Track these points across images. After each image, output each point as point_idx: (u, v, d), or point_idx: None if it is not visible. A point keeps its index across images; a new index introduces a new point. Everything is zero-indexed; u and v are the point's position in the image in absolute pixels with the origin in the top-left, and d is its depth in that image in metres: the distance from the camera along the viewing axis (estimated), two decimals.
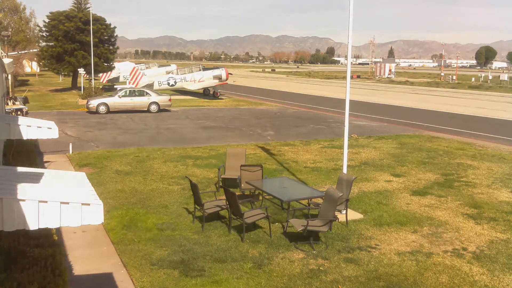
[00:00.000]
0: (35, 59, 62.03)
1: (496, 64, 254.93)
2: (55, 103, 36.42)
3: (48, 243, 7.90)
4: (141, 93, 32.15)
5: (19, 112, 25.94)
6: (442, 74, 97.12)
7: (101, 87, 43.84)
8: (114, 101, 31.08)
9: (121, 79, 53.99)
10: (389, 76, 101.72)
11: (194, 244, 9.35)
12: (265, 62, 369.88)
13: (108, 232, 9.98)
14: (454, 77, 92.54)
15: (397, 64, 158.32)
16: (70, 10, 49.33)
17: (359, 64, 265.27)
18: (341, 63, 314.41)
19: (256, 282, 7.88)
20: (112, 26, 50.35)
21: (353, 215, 11.08)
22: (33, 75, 73.22)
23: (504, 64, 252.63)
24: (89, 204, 4.69)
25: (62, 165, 16.10)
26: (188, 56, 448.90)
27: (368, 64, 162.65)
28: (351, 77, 18.72)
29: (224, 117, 29.99)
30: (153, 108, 31.61)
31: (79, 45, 46.85)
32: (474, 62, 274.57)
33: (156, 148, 18.96)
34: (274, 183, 12.12)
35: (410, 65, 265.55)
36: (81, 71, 42.53)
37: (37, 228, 4.53)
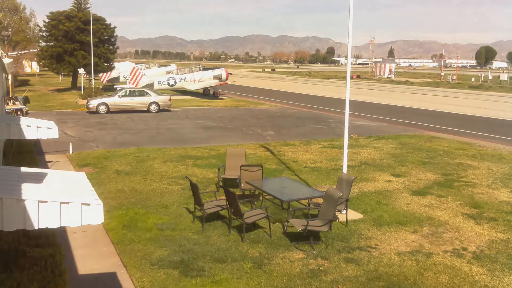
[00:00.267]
0: (35, 59, 62.02)
1: (496, 64, 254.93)
2: (55, 103, 36.42)
3: (48, 243, 7.91)
4: (141, 93, 32.15)
5: (19, 112, 25.93)
6: (442, 74, 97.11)
7: (101, 87, 43.82)
8: (114, 101, 31.07)
9: (121, 79, 53.96)
10: (389, 76, 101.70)
11: (194, 244, 9.35)
12: (265, 62, 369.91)
13: (108, 232, 9.98)
14: (454, 77, 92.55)
15: (397, 64, 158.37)
16: (70, 10, 49.30)
17: (359, 64, 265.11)
18: (341, 63, 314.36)
19: (256, 282, 7.88)
20: (112, 26, 50.39)
21: (353, 215, 11.08)
22: (33, 75, 73.24)
23: (504, 64, 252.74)
24: (89, 204, 4.70)
25: (62, 165, 16.10)
26: (188, 56, 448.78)
27: (368, 64, 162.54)
28: (351, 77, 18.72)
29: (224, 117, 29.99)
30: (153, 108, 31.61)
31: (79, 45, 46.84)
32: (474, 62, 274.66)
33: (156, 148, 18.96)
34: (274, 183, 12.12)
35: (410, 65, 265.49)
36: (81, 71, 42.53)
37: (37, 228, 4.53)
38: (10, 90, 32.17)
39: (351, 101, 12.54)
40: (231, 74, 50.24)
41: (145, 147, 19.21)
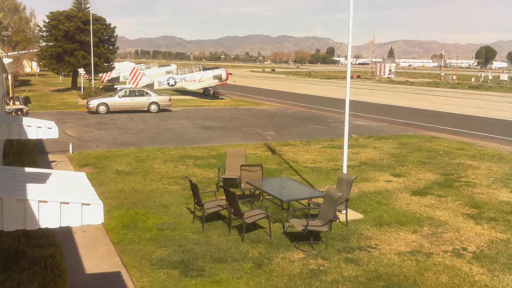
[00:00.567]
0: (35, 59, 62.00)
1: (496, 64, 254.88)
2: (55, 103, 36.42)
3: (48, 243, 7.92)
4: (141, 93, 32.14)
5: (19, 112, 25.93)
6: (442, 74, 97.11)
7: (101, 87, 43.83)
8: (114, 101, 31.07)
9: (121, 79, 53.95)
10: (389, 76, 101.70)
11: (194, 244, 9.35)
12: (265, 62, 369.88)
13: (108, 232, 9.98)
14: (454, 77, 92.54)
15: (397, 64, 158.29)
16: (70, 10, 49.30)
17: (359, 64, 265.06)
18: (341, 63, 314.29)
19: (256, 282, 7.88)
20: (112, 26, 50.38)
21: (353, 215, 11.08)
22: (33, 75, 73.24)
23: (504, 64, 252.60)
24: (89, 204, 4.70)
25: (62, 165, 16.10)
26: (188, 56, 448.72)
27: (368, 64, 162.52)
28: (351, 77, 18.72)
29: (224, 117, 29.99)
30: (153, 108, 31.61)
31: (79, 45, 46.84)
32: (474, 62, 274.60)
33: (156, 148, 18.96)
34: (274, 183, 12.12)
35: (410, 65, 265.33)
36: (81, 71, 42.53)
37: (37, 228, 4.54)
38: (10, 90, 32.19)
39: (351, 101, 12.55)
40: (231, 74, 50.23)
41: (145, 147, 19.22)
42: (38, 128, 10.14)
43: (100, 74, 52.67)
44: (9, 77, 30.45)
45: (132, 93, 32.01)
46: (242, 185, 12.10)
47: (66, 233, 9.67)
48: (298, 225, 9.44)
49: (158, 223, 10.49)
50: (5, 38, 48.51)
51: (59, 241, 8.34)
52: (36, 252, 7.48)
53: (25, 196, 4.52)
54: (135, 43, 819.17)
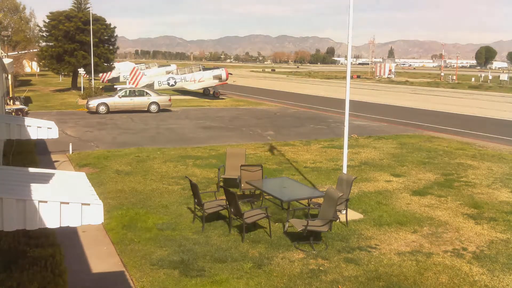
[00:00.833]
0: (35, 59, 61.99)
1: (496, 64, 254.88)
2: (55, 103, 36.42)
3: (48, 243, 7.91)
4: (141, 93, 32.14)
5: (19, 112, 25.93)
6: (442, 74, 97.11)
7: (101, 87, 43.83)
8: (114, 101, 31.07)
9: (121, 79, 53.97)
10: (389, 76, 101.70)
11: (194, 244, 9.35)
12: (265, 62, 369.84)
13: (108, 232, 9.98)
14: (454, 77, 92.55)
15: (397, 64, 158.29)
16: (70, 10, 49.28)
17: (359, 64, 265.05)
18: (341, 63, 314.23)
19: (256, 282, 7.88)
20: (112, 26, 50.39)
21: (353, 215, 11.08)
22: (33, 75, 73.23)
23: (504, 64, 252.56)
24: (89, 204, 4.70)
25: (62, 165, 16.10)
26: (188, 56, 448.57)
27: (368, 64, 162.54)
28: (351, 77, 18.72)
29: (224, 117, 29.99)
30: (153, 108, 31.61)
31: (79, 45, 46.82)
32: (474, 62, 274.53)
33: (156, 148, 18.96)
34: (274, 183, 12.12)
35: (410, 65, 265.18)
36: (81, 71, 42.52)
37: (37, 228, 4.53)
38: (10, 90, 32.19)
39: (351, 101, 12.55)
40: (231, 74, 50.23)
41: (145, 147, 19.22)
42: (38, 128, 10.12)
43: (100, 74, 52.66)
44: (9, 77, 30.46)
45: (132, 93, 32.01)
46: (242, 185, 12.09)
47: (66, 233, 9.66)
48: (298, 225, 9.44)
49: (158, 223, 10.49)
50: (5, 38, 48.52)
51: (59, 241, 8.33)
52: (36, 252, 7.47)
53: (25, 196, 4.52)
54: (135, 43, 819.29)
